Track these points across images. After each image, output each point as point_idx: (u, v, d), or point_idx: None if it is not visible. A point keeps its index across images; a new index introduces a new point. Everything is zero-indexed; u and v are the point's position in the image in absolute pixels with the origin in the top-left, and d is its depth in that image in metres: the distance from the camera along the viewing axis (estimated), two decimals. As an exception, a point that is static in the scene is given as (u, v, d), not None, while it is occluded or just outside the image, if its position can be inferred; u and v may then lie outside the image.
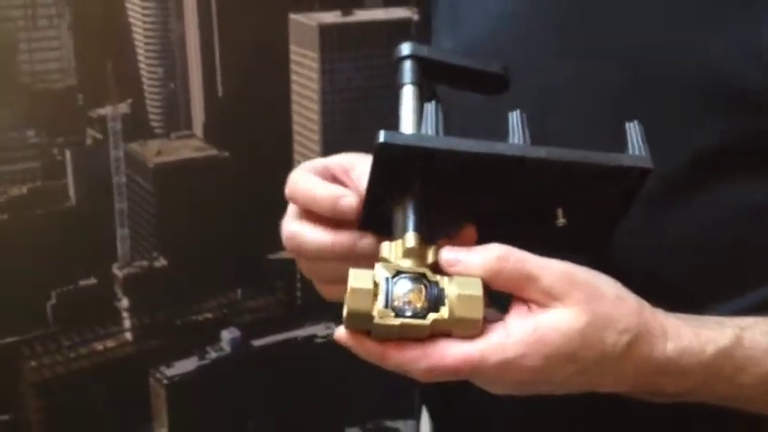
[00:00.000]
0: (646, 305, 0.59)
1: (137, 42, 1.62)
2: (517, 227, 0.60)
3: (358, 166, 0.64)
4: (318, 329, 1.83)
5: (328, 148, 1.75)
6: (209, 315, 1.76)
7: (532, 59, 0.70)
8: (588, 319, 0.55)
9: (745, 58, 0.63)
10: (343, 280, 0.57)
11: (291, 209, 0.65)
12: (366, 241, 0.61)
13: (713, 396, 0.61)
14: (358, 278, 0.55)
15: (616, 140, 0.63)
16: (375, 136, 0.56)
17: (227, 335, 1.77)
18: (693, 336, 0.59)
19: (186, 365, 1.75)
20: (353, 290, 0.54)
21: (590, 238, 0.62)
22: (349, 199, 0.61)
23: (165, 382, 1.73)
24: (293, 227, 0.64)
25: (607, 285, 0.58)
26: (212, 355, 1.76)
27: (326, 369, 1.74)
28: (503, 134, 0.60)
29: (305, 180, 0.64)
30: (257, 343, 1.79)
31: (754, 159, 0.64)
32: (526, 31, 0.71)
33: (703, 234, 0.66)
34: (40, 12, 1.52)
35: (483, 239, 0.59)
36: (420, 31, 0.88)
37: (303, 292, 1.80)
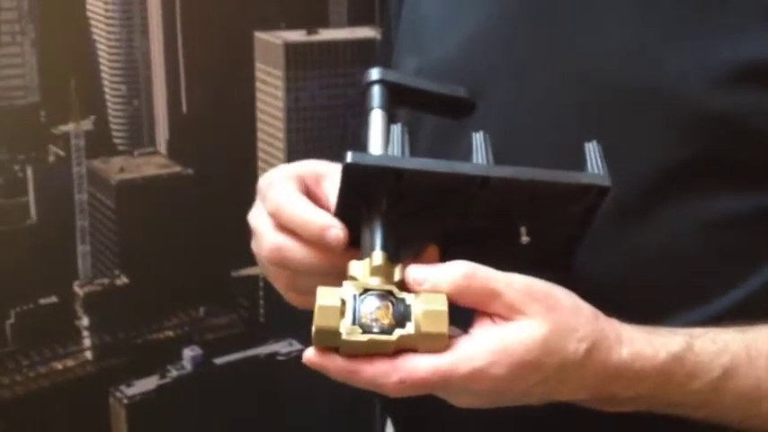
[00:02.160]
0: (600, 314, 0.62)
1: (101, 59, 1.62)
2: (482, 244, 0.62)
3: (329, 177, 0.65)
4: (281, 347, 1.82)
5: (292, 166, 1.76)
6: (171, 333, 1.75)
7: (496, 80, 0.72)
8: (549, 329, 0.58)
9: (701, 78, 0.65)
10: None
11: (265, 219, 0.65)
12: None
13: (666, 403, 0.63)
14: (325, 295, 0.56)
15: (580, 157, 0.65)
16: (343, 156, 0.58)
17: (189, 353, 1.76)
18: (646, 341, 0.62)
19: (147, 384, 1.73)
20: (321, 307, 0.56)
21: (553, 254, 0.64)
22: (337, 231, 0.62)
23: (126, 401, 1.72)
24: (277, 239, 0.64)
25: (564, 297, 0.60)
26: (173, 373, 1.75)
27: (289, 386, 1.74)
28: (467, 151, 0.62)
29: (290, 198, 0.64)
30: (219, 361, 1.79)
31: (714, 174, 0.66)
32: (490, 54, 0.73)
33: (666, 246, 0.68)
34: (3, 28, 1.51)
35: (449, 256, 0.61)
36: (381, 52, 0.90)
37: (266, 310, 1.80)
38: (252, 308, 1.79)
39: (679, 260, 0.68)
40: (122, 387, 1.72)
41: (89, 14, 1.58)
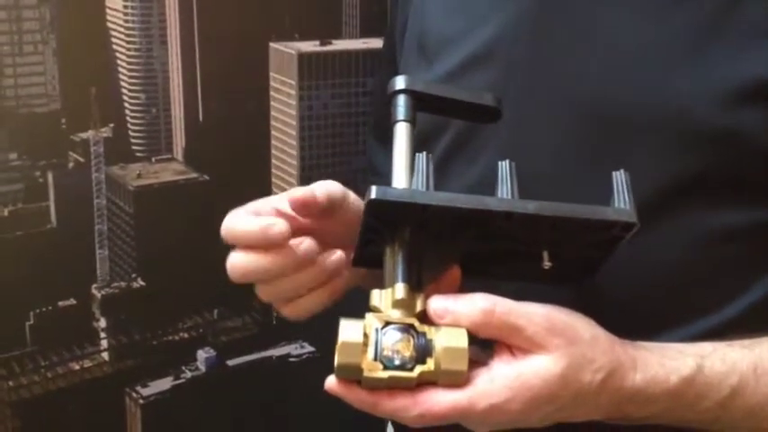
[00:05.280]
0: (616, 340, 0.63)
1: (120, 68, 1.64)
2: (504, 262, 0.63)
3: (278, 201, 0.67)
4: (293, 349, 1.83)
5: (305, 172, 1.78)
6: (186, 335, 1.77)
7: (503, 98, 0.71)
8: (567, 363, 0.59)
9: (707, 99, 0.66)
10: (298, 294, 0.62)
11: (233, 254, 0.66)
12: (305, 245, 0.64)
13: (676, 420, 0.65)
14: (348, 330, 0.57)
15: (584, 173, 0.66)
16: (367, 190, 0.57)
17: (203, 354, 1.78)
18: (659, 366, 0.63)
19: (162, 385, 1.76)
20: (344, 343, 0.57)
21: (573, 274, 0.65)
22: (279, 226, 0.63)
23: (141, 401, 1.74)
24: (237, 258, 0.65)
25: (583, 327, 0.61)
26: (188, 374, 1.77)
27: (301, 387, 1.75)
28: (481, 165, 0.62)
29: (236, 220, 0.66)
30: (232, 362, 1.81)
31: (715, 189, 0.67)
32: (493, 72, 0.74)
33: (667, 260, 0.69)
34: (25, 38, 1.54)
35: (471, 274, 0.62)
36: (384, 68, 0.88)
37: (278, 313, 1.79)
38: (264, 310, 1.79)
39: (680, 273, 0.69)
40: (138, 387, 1.74)
41: (109, 25, 1.60)
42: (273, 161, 1.80)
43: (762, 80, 0.65)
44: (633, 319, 0.67)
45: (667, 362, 0.63)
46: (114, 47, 1.63)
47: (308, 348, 1.80)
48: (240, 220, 0.65)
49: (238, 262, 0.65)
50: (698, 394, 0.64)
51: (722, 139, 0.66)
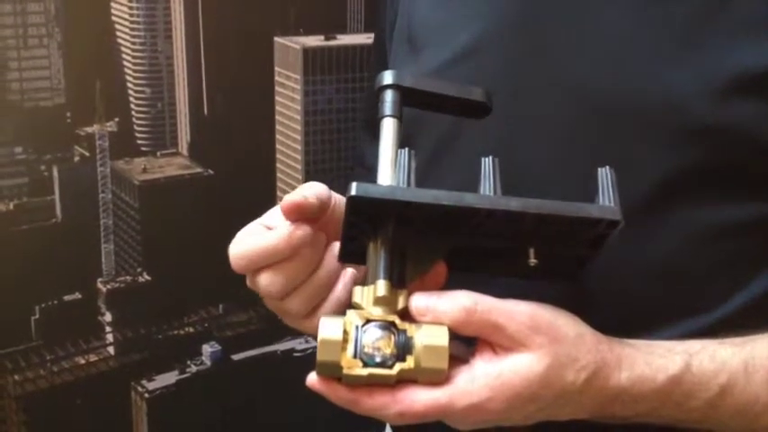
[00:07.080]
0: (602, 338, 0.62)
1: (125, 62, 1.65)
2: (491, 259, 0.62)
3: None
4: (297, 343, 1.85)
5: (310, 167, 1.78)
6: (191, 330, 1.78)
7: (493, 93, 0.70)
8: (549, 362, 0.58)
9: (700, 91, 0.65)
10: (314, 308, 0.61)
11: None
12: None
13: (664, 419, 0.64)
14: (328, 327, 0.57)
15: (578, 169, 0.64)
16: (348, 187, 0.57)
17: (208, 349, 1.79)
18: (645, 364, 0.62)
19: (167, 379, 1.77)
20: (323, 341, 0.56)
21: (562, 270, 0.64)
22: (301, 228, 0.62)
23: (146, 395, 1.75)
24: (268, 279, 0.64)
25: (567, 325, 0.60)
26: (193, 368, 1.78)
27: (305, 382, 1.75)
28: (465, 163, 0.62)
29: (246, 243, 0.64)
30: (237, 357, 1.82)
31: (713, 184, 0.66)
32: (484, 67, 0.73)
33: (666, 256, 0.68)
34: (30, 31, 1.54)
35: (458, 270, 0.61)
36: (375, 59, 0.88)
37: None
38: (269, 305, 1.81)
39: (679, 270, 0.68)
40: (143, 381, 1.75)
41: (114, 19, 1.61)
42: (278, 156, 1.80)
43: (754, 73, 0.65)
44: (625, 316, 0.66)
45: (654, 360, 0.62)
46: (119, 41, 1.64)
47: (312, 343, 1.81)
48: (252, 241, 0.63)
49: (271, 283, 0.64)
50: (685, 393, 0.62)
51: (716, 133, 0.65)
